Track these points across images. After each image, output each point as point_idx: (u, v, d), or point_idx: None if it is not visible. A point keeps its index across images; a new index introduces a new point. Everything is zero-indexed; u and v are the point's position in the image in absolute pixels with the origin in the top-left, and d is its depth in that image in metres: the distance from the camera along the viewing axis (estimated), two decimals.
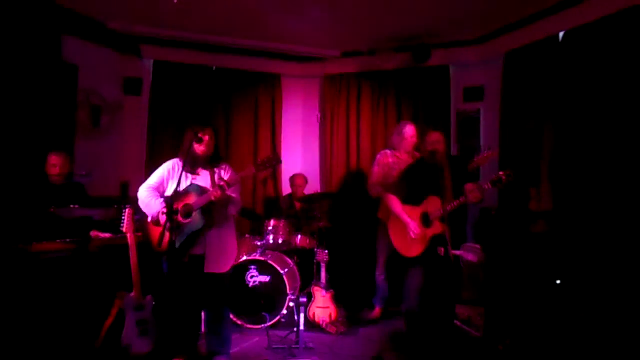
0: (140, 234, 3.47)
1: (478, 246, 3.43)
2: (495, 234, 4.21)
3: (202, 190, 3.12)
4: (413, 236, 3.36)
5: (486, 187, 3.18)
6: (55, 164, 3.77)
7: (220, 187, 3.00)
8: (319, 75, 6.11)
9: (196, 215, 3.09)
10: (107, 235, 3.67)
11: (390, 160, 4.45)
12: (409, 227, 3.41)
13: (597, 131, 3.84)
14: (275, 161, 3.08)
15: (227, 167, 3.37)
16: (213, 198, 3.00)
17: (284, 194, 5.65)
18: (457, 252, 3.29)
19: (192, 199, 3.09)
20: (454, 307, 3.64)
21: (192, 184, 3.18)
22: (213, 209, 3.12)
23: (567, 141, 4.09)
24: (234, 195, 3.20)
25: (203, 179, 3.24)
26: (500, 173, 3.13)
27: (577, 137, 4.01)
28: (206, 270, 3.16)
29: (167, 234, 2.85)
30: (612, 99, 3.76)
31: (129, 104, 5.46)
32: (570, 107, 4.11)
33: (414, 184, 3.53)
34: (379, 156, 4.57)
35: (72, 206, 3.36)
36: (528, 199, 4.14)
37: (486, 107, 5.32)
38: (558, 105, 4.24)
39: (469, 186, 3.42)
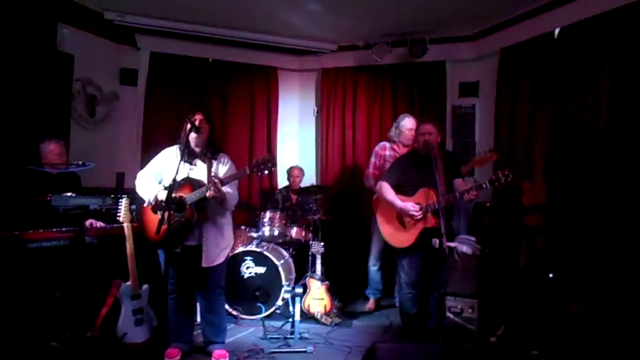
0: (136, 224, 3.47)
1: (473, 238, 3.46)
2: (489, 227, 4.25)
3: (196, 184, 3.08)
4: (418, 215, 3.32)
5: (484, 186, 3.14)
6: (59, 152, 3.76)
7: (214, 184, 2.95)
8: (315, 69, 6.14)
9: (189, 209, 3.05)
10: (102, 224, 3.67)
11: (387, 153, 4.49)
12: (406, 209, 3.36)
13: (592, 126, 3.89)
14: (270, 164, 2.98)
15: (226, 159, 3.32)
16: (207, 195, 2.97)
17: (280, 186, 5.67)
18: (452, 244, 3.30)
19: (186, 192, 3.07)
20: (444, 299, 3.66)
21: (187, 177, 3.15)
22: (206, 204, 3.09)
23: (562, 136, 4.14)
24: (230, 190, 3.15)
25: (200, 170, 3.21)
26: (499, 173, 3.07)
27: (572, 132, 4.05)
28: (204, 265, 3.16)
29: (164, 228, 2.84)
30: (607, 96, 3.80)
31: (125, 95, 5.43)
32: (565, 103, 4.16)
33: (406, 174, 3.53)
34: (376, 148, 4.62)
35: (68, 194, 3.34)
36: (522, 192, 4.18)
37: (481, 102, 5.36)
38: (553, 102, 4.28)
39: (458, 182, 3.45)
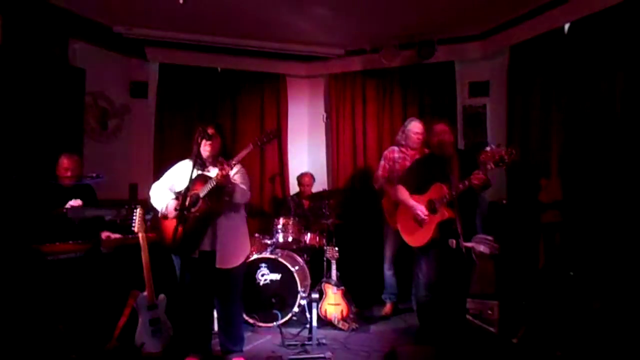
0: (151, 234, 3.49)
1: (490, 237, 3.40)
2: (505, 225, 4.19)
3: (207, 179, 3.10)
4: (422, 216, 3.33)
5: (489, 167, 3.06)
6: (67, 167, 3.79)
7: (222, 168, 2.97)
8: (323, 74, 6.13)
9: (202, 201, 3.07)
10: (118, 235, 3.69)
11: (396, 155, 4.52)
12: (415, 209, 3.38)
13: (606, 121, 3.83)
14: (272, 135, 3.06)
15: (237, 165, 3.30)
16: (215, 180, 2.98)
17: (291, 194, 5.66)
18: (469, 244, 3.25)
19: (198, 188, 3.10)
20: (465, 301, 3.61)
21: (199, 174, 3.16)
22: (219, 197, 3.09)
23: (576, 132, 4.08)
24: (242, 185, 3.19)
25: (212, 175, 3.22)
26: (502, 152, 2.99)
27: (586, 127, 4.00)
28: (217, 266, 3.15)
29: (180, 229, 2.85)
30: (620, 90, 3.75)
31: (136, 107, 5.50)
32: (577, 98, 4.11)
33: (423, 176, 3.51)
34: (386, 152, 4.66)
35: (83, 206, 3.37)
36: (538, 189, 4.13)
37: (492, 101, 5.32)
38: (565, 97, 4.24)
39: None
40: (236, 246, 3.27)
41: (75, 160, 3.88)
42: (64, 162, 3.83)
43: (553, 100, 4.38)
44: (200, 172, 3.20)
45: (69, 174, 3.79)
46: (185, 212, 2.89)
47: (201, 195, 3.07)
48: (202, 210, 3.08)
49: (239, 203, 3.26)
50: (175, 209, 3.11)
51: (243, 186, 3.21)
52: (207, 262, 3.16)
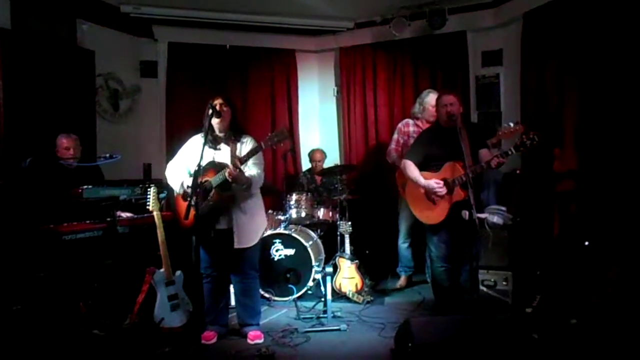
0: (167, 213, 3.54)
1: (503, 208, 3.37)
2: (520, 195, 4.15)
3: (220, 166, 3.10)
4: (441, 193, 3.28)
5: (510, 152, 3.07)
6: (68, 146, 3.83)
7: (234, 164, 2.97)
8: (333, 48, 6.06)
9: (215, 191, 3.09)
10: (128, 214, 3.74)
11: (411, 129, 4.46)
12: (429, 188, 3.33)
13: (623, 89, 3.73)
14: (282, 136, 2.97)
15: (249, 139, 3.29)
16: (228, 176, 2.98)
17: (304, 170, 5.66)
18: (482, 215, 3.23)
19: (210, 176, 3.10)
20: (477, 273, 3.61)
21: (210, 161, 3.17)
22: (231, 185, 3.11)
23: (592, 100, 3.99)
24: (253, 172, 3.17)
25: (224, 153, 3.23)
26: (524, 138, 2.98)
27: (602, 95, 3.90)
28: (236, 246, 3.19)
29: (193, 213, 2.88)
30: (638, 56, 3.63)
31: (147, 87, 5.51)
32: (594, 65, 3.99)
33: (430, 149, 3.47)
34: (399, 125, 4.59)
35: (99, 186, 3.42)
36: (552, 159, 4.06)
37: (506, 71, 5.20)
38: (581, 64, 4.12)
39: (484, 152, 3.36)
40: (253, 225, 3.30)
41: (74, 139, 3.91)
42: (63, 141, 3.86)
43: (568, 67, 4.26)
44: (212, 148, 3.21)
45: (70, 152, 3.84)
46: (197, 200, 2.88)
47: (213, 184, 3.08)
48: (215, 200, 3.10)
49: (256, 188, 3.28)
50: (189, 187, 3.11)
51: (257, 170, 3.19)
52: (223, 239, 3.20)
